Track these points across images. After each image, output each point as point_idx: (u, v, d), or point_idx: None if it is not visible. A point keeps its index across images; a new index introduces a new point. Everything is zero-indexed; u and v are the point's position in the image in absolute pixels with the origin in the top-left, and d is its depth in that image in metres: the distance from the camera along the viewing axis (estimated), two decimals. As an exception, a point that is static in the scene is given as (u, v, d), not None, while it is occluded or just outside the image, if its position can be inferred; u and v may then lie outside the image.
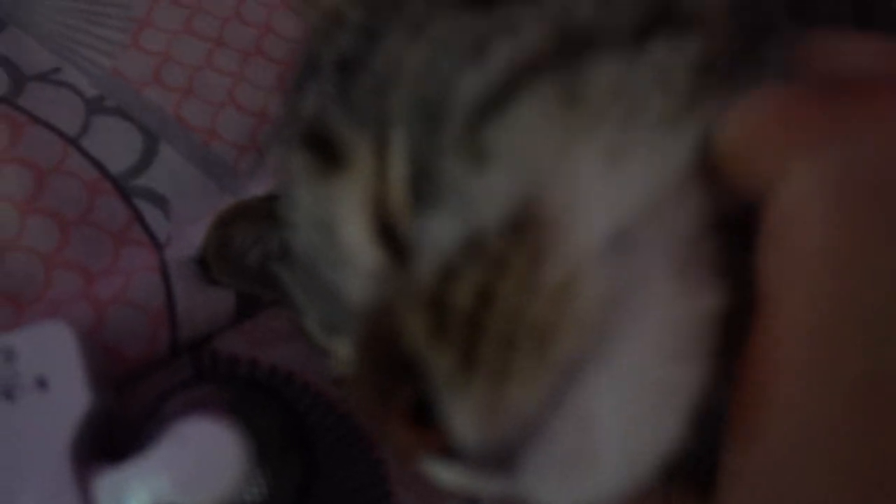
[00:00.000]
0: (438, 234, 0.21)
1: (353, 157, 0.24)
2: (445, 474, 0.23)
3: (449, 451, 0.21)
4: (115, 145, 0.40)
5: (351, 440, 0.36)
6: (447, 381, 0.20)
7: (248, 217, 0.35)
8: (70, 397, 0.28)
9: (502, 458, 0.21)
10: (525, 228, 0.20)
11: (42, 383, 0.28)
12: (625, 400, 0.20)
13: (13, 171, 0.37)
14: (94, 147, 0.39)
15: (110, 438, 0.31)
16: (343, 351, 0.28)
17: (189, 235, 0.38)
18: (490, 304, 0.20)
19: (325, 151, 0.25)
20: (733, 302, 0.21)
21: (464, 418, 0.20)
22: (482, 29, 0.22)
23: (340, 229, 0.25)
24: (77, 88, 0.41)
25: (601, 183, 0.20)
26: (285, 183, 0.28)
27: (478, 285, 0.20)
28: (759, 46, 0.22)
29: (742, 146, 0.20)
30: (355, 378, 0.24)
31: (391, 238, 0.24)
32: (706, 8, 0.22)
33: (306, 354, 0.33)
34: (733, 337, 0.20)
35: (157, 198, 0.39)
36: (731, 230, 0.21)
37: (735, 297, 0.21)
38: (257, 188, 0.40)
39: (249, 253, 0.35)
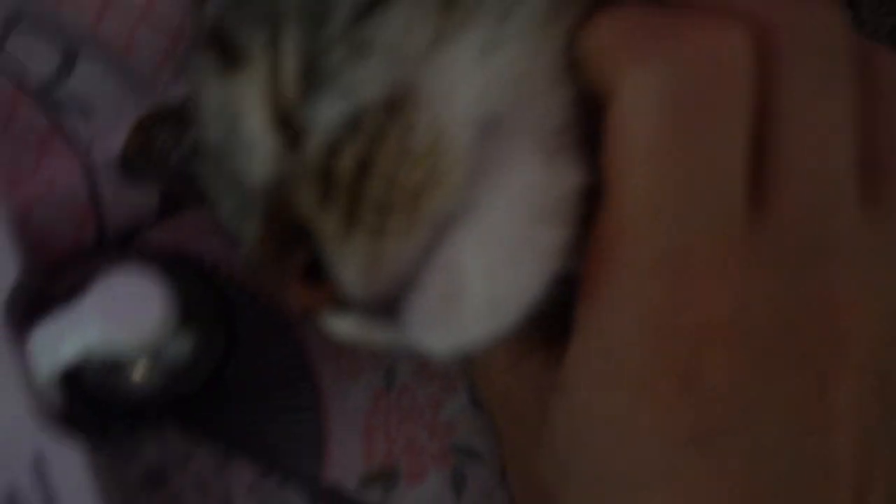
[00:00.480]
0: (325, 116, 0.24)
1: (250, 56, 0.27)
2: (341, 325, 0.27)
3: (340, 303, 0.24)
4: (33, 59, 0.41)
5: (272, 321, 0.38)
6: (333, 241, 0.24)
7: (170, 119, 0.37)
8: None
9: (386, 307, 0.24)
10: (399, 106, 0.23)
11: (-28, 254, 0.30)
12: (489, 254, 0.23)
13: (-69, 81, 0.39)
14: (11, 61, 0.41)
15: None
16: (251, 234, 0.31)
17: (110, 140, 0.40)
18: (368, 172, 0.23)
19: (226, 52, 0.28)
20: (592, 182, 0.25)
21: (349, 272, 0.24)
22: None
23: (243, 121, 0.28)
24: (-8, 6, 0.42)
25: (471, 71, 0.23)
26: (195, 83, 0.31)
27: (357, 156, 0.23)
28: None
29: (592, 54, 0.24)
30: (260, 250, 0.27)
31: (287, 126, 0.27)
32: None
33: (227, 250, 0.36)
34: (591, 211, 0.24)
35: (77, 106, 0.41)
36: (595, 119, 0.25)
37: (594, 178, 0.25)
38: (176, 96, 0.42)
39: (171, 153, 0.37)
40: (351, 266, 0.24)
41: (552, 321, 0.27)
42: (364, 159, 0.23)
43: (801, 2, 0.24)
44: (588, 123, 0.25)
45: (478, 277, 0.23)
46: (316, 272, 0.24)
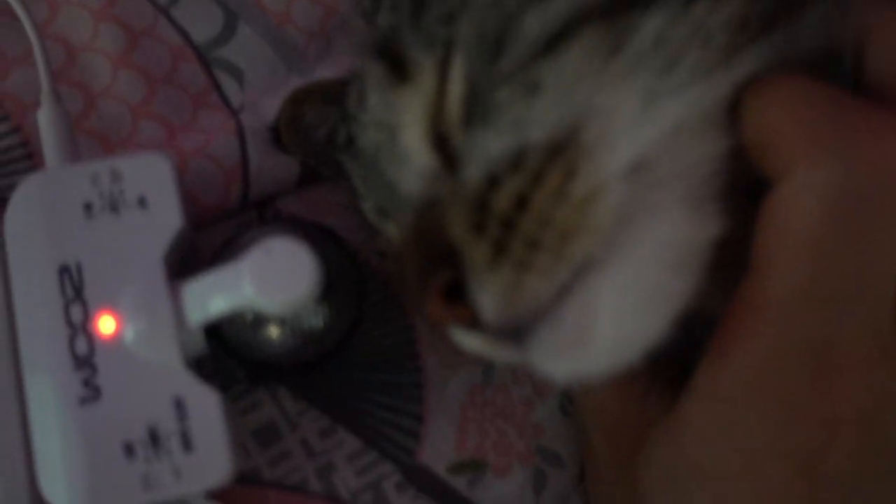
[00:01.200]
0: (486, 147, 0.26)
1: (418, 73, 0.29)
2: (468, 341, 0.29)
3: (473, 323, 0.26)
4: (200, 18, 0.43)
5: (390, 302, 0.40)
6: (478, 267, 0.25)
7: (320, 97, 0.39)
8: (165, 217, 0.32)
9: (516, 332, 0.26)
10: (563, 150, 0.25)
11: (142, 202, 0.32)
12: (620, 297, 0.25)
13: (109, 27, 0.41)
14: (181, 17, 0.43)
15: (190, 265, 0.35)
16: (392, 232, 0.33)
17: (261, 106, 0.42)
18: (524, 209, 0.25)
19: (395, 64, 0.30)
20: (732, 236, 0.25)
21: (488, 298, 0.25)
22: None
23: (402, 133, 0.30)
24: (168, -37, 0.44)
25: (633, 119, 0.25)
26: (358, 85, 0.33)
27: (516, 192, 0.25)
28: (797, 9, 0.26)
29: (766, 131, 0.24)
30: (402, 256, 0.29)
31: (444, 146, 0.28)
32: None
33: (355, 227, 0.37)
34: (726, 264, 0.25)
35: (234, 69, 0.43)
36: (744, 175, 0.25)
37: (736, 232, 0.25)
38: (322, 72, 0.43)
39: (317, 130, 0.39)
40: (491, 294, 0.25)
41: (658, 356, 0.28)
42: (521, 197, 0.25)
43: None
44: (734, 176, 0.26)
45: (608, 320, 0.25)
46: (455, 291, 0.26)
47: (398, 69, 0.30)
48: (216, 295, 0.31)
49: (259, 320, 0.32)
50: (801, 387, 0.23)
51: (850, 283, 0.23)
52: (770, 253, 0.24)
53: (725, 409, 0.25)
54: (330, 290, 0.32)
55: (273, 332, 0.32)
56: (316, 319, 0.33)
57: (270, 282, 0.30)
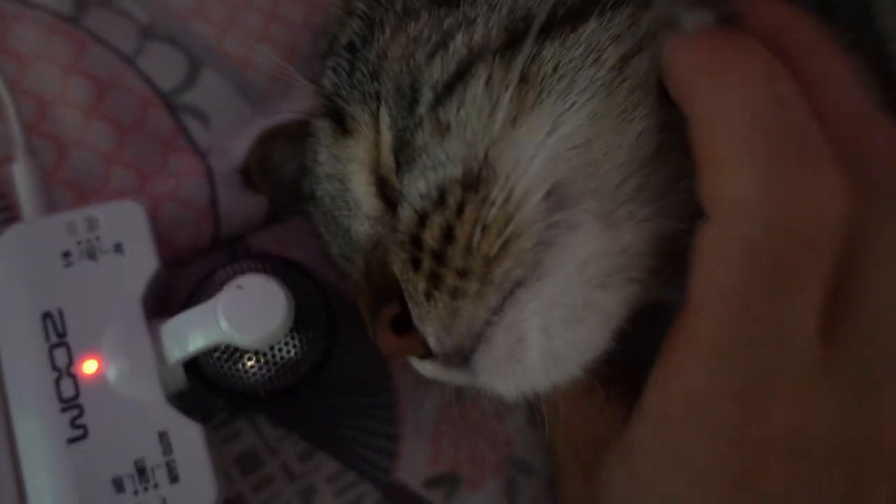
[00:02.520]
0: (414, 187, 0.28)
1: (357, 128, 0.32)
2: (423, 368, 0.31)
3: (424, 353, 0.28)
4: (165, 67, 0.45)
5: (361, 327, 0.42)
6: (418, 300, 0.28)
7: (286, 137, 0.42)
8: (141, 261, 0.34)
9: (462, 357, 0.28)
10: (477, 182, 0.27)
11: (118, 248, 0.34)
12: (547, 315, 0.26)
13: (78, 81, 0.43)
14: (147, 67, 0.45)
15: (166, 304, 0.37)
16: (355, 274, 0.35)
17: (228, 148, 0.43)
18: (451, 241, 0.27)
19: (338, 122, 0.33)
20: (682, 228, 0.27)
21: (430, 327, 0.28)
22: (446, 26, 0.29)
23: (350, 183, 0.33)
24: (132, 16, 0.46)
25: (541, 145, 0.26)
26: (312, 142, 0.35)
27: (442, 226, 0.27)
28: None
29: (677, 71, 0.26)
30: (360, 296, 0.31)
31: (385, 191, 0.31)
32: None
33: (324, 257, 0.39)
34: (683, 253, 0.27)
35: (200, 113, 0.45)
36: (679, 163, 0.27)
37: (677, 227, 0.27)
38: (286, 113, 0.46)
39: (284, 168, 0.41)
40: (433, 323, 0.28)
41: (614, 362, 0.30)
42: (448, 229, 0.27)
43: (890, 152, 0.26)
44: (665, 173, 0.28)
45: (537, 337, 0.27)
46: (403, 324, 0.28)
47: (341, 125, 0.33)
48: (193, 332, 0.33)
49: (235, 353, 0.34)
50: (734, 413, 0.25)
51: (772, 324, 0.24)
52: (700, 295, 0.25)
53: (670, 432, 0.27)
54: (301, 321, 0.34)
55: (249, 363, 0.34)
56: (289, 349, 0.35)
57: (244, 317, 0.32)
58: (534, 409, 0.42)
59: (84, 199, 0.41)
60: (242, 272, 0.35)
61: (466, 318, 0.27)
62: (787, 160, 0.24)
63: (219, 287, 0.35)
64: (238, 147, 0.43)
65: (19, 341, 0.33)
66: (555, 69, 0.27)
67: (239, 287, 0.32)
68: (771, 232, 0.24)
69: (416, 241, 0.27)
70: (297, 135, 0.40)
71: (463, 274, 0.26)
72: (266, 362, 0.34)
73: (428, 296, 0.27)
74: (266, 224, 0.43)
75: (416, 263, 0.27)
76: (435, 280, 0.27)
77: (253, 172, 0.41)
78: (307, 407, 0.40)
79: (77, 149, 0.42)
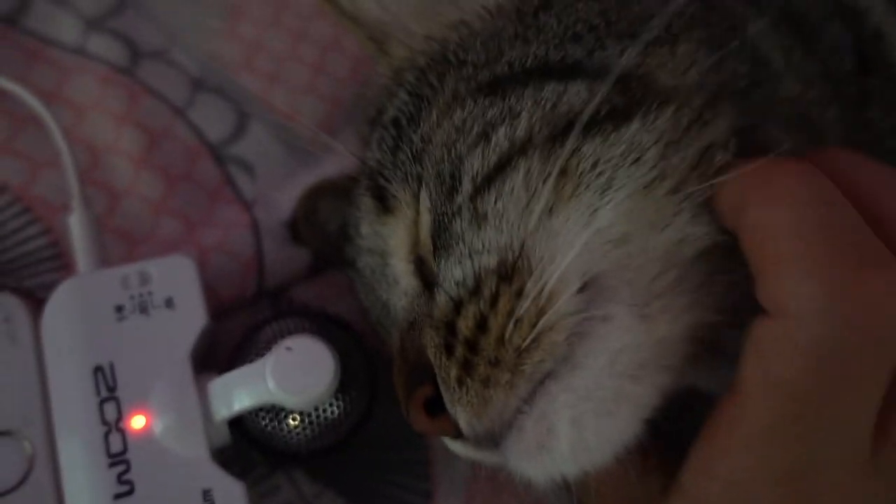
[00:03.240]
0: (450, 273, 0.29)
1: (397, 207, 0.33)
2: (455, 447, 0.31)
3: (455, 434, 0.29)
4: (214, 118, 0.46)
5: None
6: (450, 385, 0.28)
7: (332, 194, 0.42)
8: (191, 316, 0.35)
9: (492, 440, 0.29)
10: (512, 273, 0.27)
11: (169, 303, 0.35)
12: (577, 406, 0.27)
13: (131, 131, 0.44)
14: (197, 118, 0.46)
15: (210, 354, 0.37)
16: (391, 346, 0.36)
17: (273, 200, 0.44)
18: (484, 331, 0.27)
19: (380, 199, 0.34)
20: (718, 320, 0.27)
21: (462, 412, 0.28)
22: (489, 116, 0.29)
23: (389, 259, 0.34)
24: (184, 68, 0.47)
25: (577, 237, 0.27)
26: (355, 214, 0.36)
27: (476, 315, 0.27)
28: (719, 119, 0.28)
29: (752, 237, 0.26)
30: (395, 370, 0.32)
31: (422, 270, 0.31)
32: (681, 87, 0.28)
33: (364, 312, 0.40)
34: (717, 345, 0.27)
35: (246, 165, 0.46)
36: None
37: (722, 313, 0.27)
38: (330, 164, 0.46)
39: (330, 222, 0.42)
40: (464, 409, 0.28)
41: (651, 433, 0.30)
42: (481, 318, 0.27)
43: None
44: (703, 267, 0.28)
45: (566, 428, 0.27)
46: (436, 405, 0.29)
47: (383, 202, 0.33)
48: (240, 391, 0.33)
49: (280, 412, 0.34)
50: (776, 502, 0.25)
51: (825, 423, 0.25)
52: (752, 386, 0.25)
53: None
54: (345, 381, 0.35)
55: (292, 422, 0.35)
56: (333, 410, 0.35)
57: (292, 379, 0.32)
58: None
59: (133, 248, 0.42)
60: (289, 330, 0.36)
61: (497, 406, 0.27)
62: (848, 259, 0.24)
63: (266, 345, 0.35)
64: (283, 200, 0.44)
65: (71, 394, 0.33)
66: (594, 165, 0.27)
67: (288, 349, 0.33)
68: (838, 332, 0.24)
69: (451, 328, 0.28)
70: (342, 190, 0.41)
71: (495, 364, 0.27)
72: (310, 422, 0.35)
73: (460, 382, 0.28)
74: (308, 277, 0.44)
75: (449, 350, 0.28)
76: (467, 368, 0.28)
77: (300, 225, 0.42)
78: (345, 463, 0.40)
79: (128, 197, 0.43)
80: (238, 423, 0.35)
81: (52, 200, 0.42)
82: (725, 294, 0.28)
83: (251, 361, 0.34)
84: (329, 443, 0.36)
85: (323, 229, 0.42)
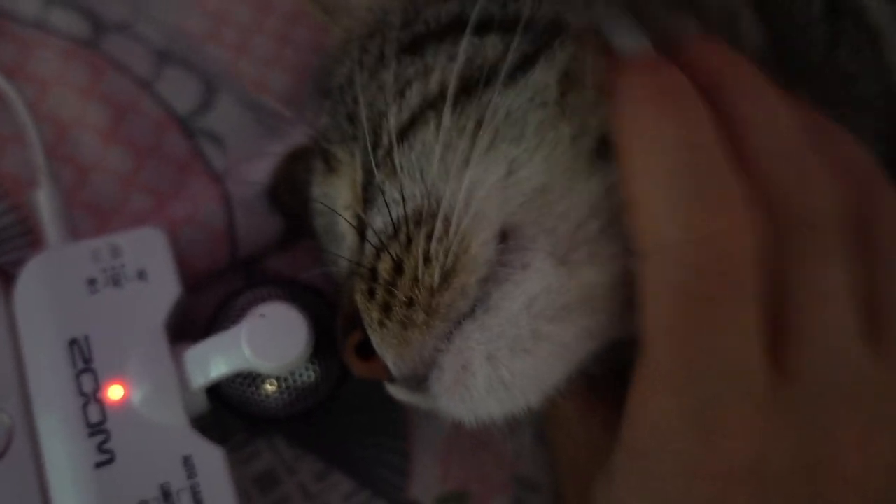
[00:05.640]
0: (375, 224, 0.30)
1: (339, 166, 0.34)
2: (393, 391, 0.32)
3: (388, 377, 0.30)
4: (181, 91, 0.46)
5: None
6: (374, 329, 0.29)
7: (303, 157, 0.42)
8: (164, 287, 0.35)
9: (419, 382, 0.29)
10: (424, 220, 0.28)
11: (142, 274, 0.35)
12: (492, 346, 0.28)
13: (96, 105, 0.44)
14: (164, 90, 0.46)
15: (185, 326, 0.38)
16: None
17: (244, 172, 0.44)
18: (400, 273, 0.28)
19: (326, 160, 0.35)
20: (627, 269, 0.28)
21: (387, 353, 0.29)
22: (407, 74, 0.31)
23: (336, 218, 0.34)
24: (149, 40, 0.47)
25: (489, 186, 0.28)
26: (311, 178, 0.37)
27: (392, 260, 0.29)
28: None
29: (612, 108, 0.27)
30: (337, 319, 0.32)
31: (360, 224, 0.32)
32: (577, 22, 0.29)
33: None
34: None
35: (216, 137, 0.46)
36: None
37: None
38: (300, 134, 0.47)
39: (306, 187, 0.42)
40: (387, 350, 0.29)
41: (615, 381, 0.31)
42: (397, 262, 0.28)
43: (807, 174, 0.27)
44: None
45: (481, 364, 0.28)
46: (368, 349, 0.30)
47: (327, 163, 0.35)
48: (216, 359, 0.34)
49: (255, 378, 0.35)
50: (693, 445, 0.26)
51: (712, 356, 0.26)
52: (646, 333, 0.27)
53: (642, 462, 0.28)
54: (319, 347, 0.35)
55: (269, 388, 0.35)
56: (309, 374, 0.36)
57: (266, 345, 0.33)
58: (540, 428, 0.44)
59: (103, 222, 0.42)
60: (262, 298, 0.36)
61: (416, 345, 0.28)
62: (694, 200, 0.25)
63: (240, 313, 0.35)
64: (253, 170, 0.44)
65: (47, 368, 0.33)
66: (507, 114, 0.28)
67: (262, 315, 0.33)
68: (686, 269, 0.25)
69: (373, 273, 0.29)
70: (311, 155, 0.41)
71: (409, 304, 0.28)
72: (286, 387, 0.35)
73: (381, 324, 0.29)
74: (281, 246, 0.44)
75: (371, 294, 0.29)
76: (386, 310, 0.29)
77: (281, 191, 0.42)
78: (323, 427, 0.41)
79: (96, 172, 0.43)
80: (216, 391, 0.36)
81: (18, 176, 0.41)
82: None
83: (226, 329, 0.35)
84: (306, 407, 0.36)
85: (302, 194, 0.42)
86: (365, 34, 0.35)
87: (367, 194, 0.31)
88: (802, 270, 0.26)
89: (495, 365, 0.27)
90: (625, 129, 0.27)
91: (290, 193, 0.42)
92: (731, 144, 0.27)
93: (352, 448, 0.41)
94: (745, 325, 0.26)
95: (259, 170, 0.43)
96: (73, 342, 0.34)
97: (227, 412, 0.37)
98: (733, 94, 0.28)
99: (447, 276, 0.28)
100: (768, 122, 0.28)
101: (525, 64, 0.28)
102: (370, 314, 0.29)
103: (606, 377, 0.30)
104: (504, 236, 0.28)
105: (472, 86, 0.29)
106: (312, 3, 0.39)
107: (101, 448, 0.32)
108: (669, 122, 0.26)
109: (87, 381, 0.33)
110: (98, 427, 0.33)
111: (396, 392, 0.32)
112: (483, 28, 0.29)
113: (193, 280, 0.41)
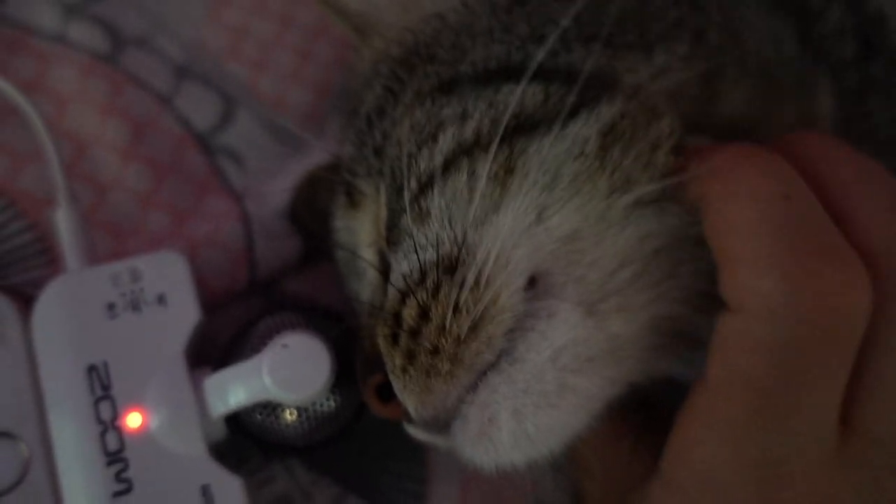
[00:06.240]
0: (399, 266, 0.30)
1: (363, 201, 0.34)
2: (412, 431, 0.32)
3: (406, 419, 0.30)
4: (200, 107, 0.46)
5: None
6: (397, 375, 0.29)
7: (324, 179, 0.42)
8: (184, 312, 0.35)
9: (439, 426, 0.29)
10: (453, 266, 0.28)
11: (161, 299, 0.35)
12: (518, 397, 0.27)
13: (114, 122, 0.43)
14: (183, 107, 0.45)
15: (203, 348, 0.37)
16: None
17: (263, 191, 0.44)
18: (426, 320, 0.28)
19: (350, 194, 0.34)
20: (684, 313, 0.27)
21: (408, 399, 0.29)
22: (443, 116, 0.30)
23: (358, 252, 0.33)
24: (168, 56, 0.46)
25: (524, 233, 0.27)
26: (333, 210, 0.37)
27: (419, 307, 0.28)
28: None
29: (716, 232, 0.26)
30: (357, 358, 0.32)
31: (383, 262, 0.32)
32: (643, 87, 0.28)
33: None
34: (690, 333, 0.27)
35: (235, 154, 0.45)
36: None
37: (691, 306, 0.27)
38: (320, 153, 0.46)
39: (328, 209, 0.42)
40: (409, 396, 0.29)
41: (643, 413, 0.31)
42: (423, 311, 0.28)
43: None
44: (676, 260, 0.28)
45: (507, 418, 0.27)
46: (388, 392, 0.30)
47: (350, 197, 0.34)
48: (236, 388, 0.33)
49: (276, 407, 0.35)
50: (749, 491, 0.26)
51: (788, 415, 0.25)
52: (717, 378, 0.26)
53: (684, 499, 0.27)
54: (340, 375, 0.35)
55: (288, 417, 0.35)
56: (329, 403, 0.35)
57: (288, 377, 0.32)
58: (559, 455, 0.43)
59: (121, 242, 0.41)
60: (283, 326, 0.36)
61: (439, 395, 0.28)
62: (806, 255, 0.24)
63: (260, 340, 0.35)
64: (273, 190, 0.43)
65: (65, 394, 0.33)
66: (541, 162, 0.27)
67: (284, 346, 0.33)
68: (795, 327, 0.24)
69: (397, 318, 0.29)
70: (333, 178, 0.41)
71: (434, 353, 0.27)
72: (307, 417, 0.35)
73: (403, 370, 0.28)
74: (300, 267, 0.43)
75: (395, 339, 0.29)
76: (410, 357, 0.28)
77: (301, 211, 0.42)
78: (340, 452, 0.40)
79: (114, 191, 0.42)
80: (233, 417, 0.35)
81: (37, 195, 0.41)
82: (694, 283, 0.28)
83: (246, 357, 0.34)
84: (325, 436, 0.36)
85: (322, 215, 0.41)
86: (400, 58, 0.34)
87: (392, 235, 0.30)
88: (885, 328, 0.26)
89: (520, 419, 0.27)
90: (715, 183, 0.26)
91: (309, 214, 0.41)
92: (828, 207, 0.26)
93: (369, 473, 0.40)
94: (834, 385, 0.25)
95: (278, 190, 0.43)
96: (91, 368, 0.33)
97: (245, 439, 0.36)
98: (840, 179, 0.27)
99: (475, 327, 0.27)
100: (867, 182, 0.27)
101: (563, 114, 0.28)
102: (393, 360, 0.29)
103: (625, 406, 0.30)
104: (532, 281, 0.28)
105: (507, 134, 0.28)
106: (341, 21, 0.38)
107: (118, 477, 0.32)
108: (769, 177, 0.25)
109: (105, 408, 0.33)
110: (116, 455, 0.32)
111: (415, 433, 0.32)
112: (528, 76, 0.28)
113: (212, 301, 0.40)
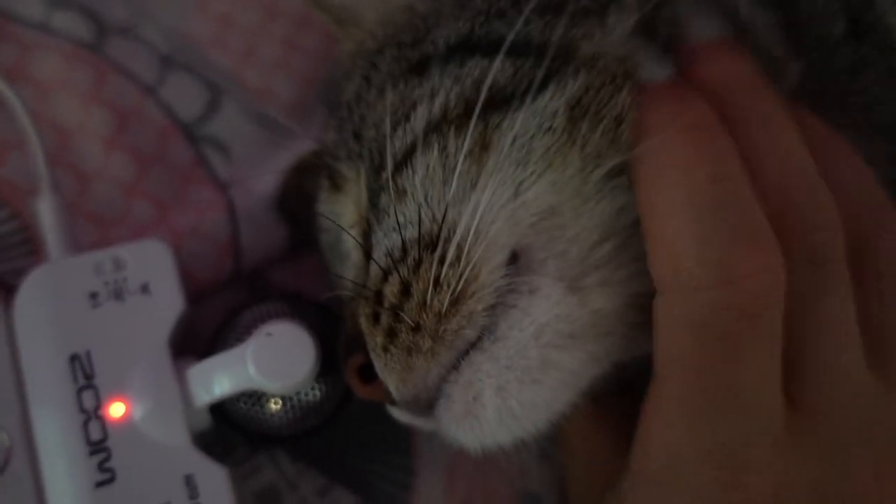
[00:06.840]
0: (380, 245, 0.30)
1: (345, 185, 0.34)
2: (395, 412, 0.32)
3: (389, 400, 0.30)
4: (185, 97, 0.45)
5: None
6: (378, 354, 0.29)
7: (311, 168, 0.42)
8: (168, 301, 0.35)
9: (422, 406, 0.29)
10: (434, 242, 0.28)
11: (145, 288, 0.35)
12: (501, 375, 0.27)
13: (98, 111, 0.43)
14: (167, 96, 0.45)
15: (187, 339, 0.37)
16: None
17: (249, 182, 0.44)
18: (407, 297, 0.28)
19: (333, 179, 0.35)
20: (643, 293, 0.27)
21: (389, 379, 0.29)
22: (414, 96, 0.30)
23: (341, 235, 0.33)
24: (153, 45, 0.46)
25: (498, 209, 0.27)
26: (318, 195, 0.37)
27: (399, 284, 0.28)
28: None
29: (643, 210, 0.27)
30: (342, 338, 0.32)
31: (366, 243, 0.32)
32: (600, 54, 0.28)
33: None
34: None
35: (220, 145, 0.45)
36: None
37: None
38: (306, 143, 0.46)
39: (314, 198, 0.42)
40: (391, 375, 0.29)
41: (626, 397, 0.31)
42: (404, 288, 0.28)
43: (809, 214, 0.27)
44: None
45: (491, 396, 0.27)
46: (370, 372, 0.30)
47: (333, 181, 0.34)
48: (221, 377, 0.33)
49: (260, 396, 0.34)
50: (710, 480, 0.26)
51: (731, 393, 0.25)
52: (662, 364, 0.26)
53: (654, 490, 0.27)
54: (325, 365, 0.35)
55: (273, 407, 0.35)
56: (314, 393, 0.35)
57: (273, 365, 0.32)
58: (548, 443, 0.43)
59: (105, 231, 0.41)
60: (268, 315, 0.36)
61: (420, 373, 0.28)
62: (726, 239, 0.25)
63: (245, 330, 0.35)
64: (259, 181, 0.43)
65: (47, 384, 0.33)
66: (514, 137, 0.27)
67: (268, 335, 0.32)
68: (712, 309, 0.25)
69: (379, 297, 0.28)
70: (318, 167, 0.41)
71: (416, 329, 0.27)
72: (291, 406, 0.35)
73: (384, 349, 0.28)
74: (285, 258, 0.43)
75: (376, 318, 0.29)
76: (391, 335, 0.28)
77: (290, 199, 0.42)
78: (326, 442, 0.40)
79: (98, 180, 0.42)
80: (218, 407, 0.35)
81: (19, 183, 0.40)
82: None
83: (231, 346, 0.34)
84: (311, 425, 0.36)
85: (310, 203, 0.41)
86: (375, 49, 0.35)
87: (372, 216, 0.30)
88: (812, 307, 0.26)
89: (505, 396, 0.27)
90: (650, 162, 0.26)
91: (297, 201, 0.41)
92: (749, 176, 0.26)
93: (355, 463, 0.40)
94: (768, 363, 0.26)
95: (264, 180, 0.43)
96: (74, 357, 0.33)
97: (230, 429, 0.36)
98: (745, 112, 0.28)
99: (456, 302, 0.27)
100: (779, 153, 0.28)
101: (533, 88, 0.28)
102: (374, 338, 0.29)
103: (611, 392, 0.30)
104: (514, 257, 0.28)
105: (480, 109, 0.28)
106: (324, 14, 0.38)
107: (101, 467, 0.32)
108: (700, 158, 0.26)
109: (88, 397, 0.33)
110: (99, 445, 0.32)
111: (398, 414, 0.32)
112: (491, 50, 0.29)
113: (196, 291, 0.40)
